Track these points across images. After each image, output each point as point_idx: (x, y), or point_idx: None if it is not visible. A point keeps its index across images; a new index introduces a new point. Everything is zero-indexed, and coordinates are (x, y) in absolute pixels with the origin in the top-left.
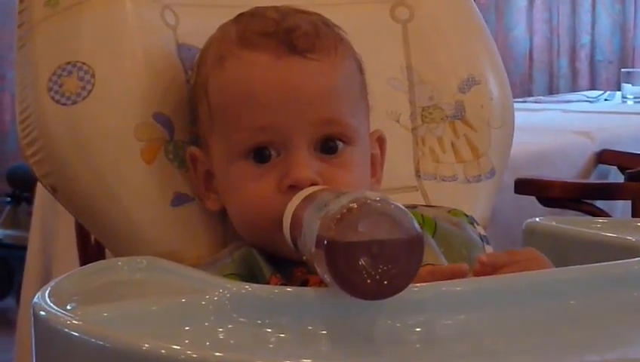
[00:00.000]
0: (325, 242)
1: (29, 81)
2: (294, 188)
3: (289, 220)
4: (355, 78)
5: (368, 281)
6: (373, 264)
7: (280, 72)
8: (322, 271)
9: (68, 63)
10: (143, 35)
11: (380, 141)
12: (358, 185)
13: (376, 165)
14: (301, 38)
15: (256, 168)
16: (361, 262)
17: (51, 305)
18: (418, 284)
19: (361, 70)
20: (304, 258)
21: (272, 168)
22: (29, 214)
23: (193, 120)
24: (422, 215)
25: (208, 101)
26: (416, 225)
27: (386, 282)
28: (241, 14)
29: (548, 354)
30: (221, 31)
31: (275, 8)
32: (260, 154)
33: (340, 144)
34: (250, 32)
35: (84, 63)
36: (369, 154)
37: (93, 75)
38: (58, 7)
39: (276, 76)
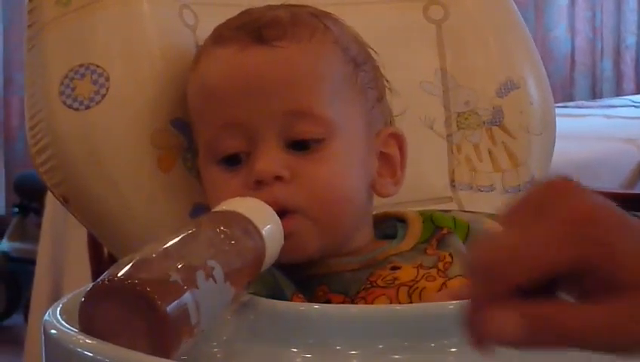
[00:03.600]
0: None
1: (40, 85)
2: (260, 183)
3: None
4: (336, 66)
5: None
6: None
7: (242, 64)
8: None
9: (81, 66)
10: (161, 36)
11: (397, 139)
12: (340, 181)
13: (394, 166)
14: (271, 28)
15: (225, 172)
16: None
17: (63, 322)
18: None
19: (356, 64)
20: None
21: (242, 168)
22: (38, 226)
23: None
24: (454, 218)
25: (188, 105)
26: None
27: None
28: (239, 14)
29: None
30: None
31: (270, 5)
32: (230, 159)
33: (313, 137)
34: (225, 27)
35: (97, 66)
36: (362, 149)
37: (107, 79)
38: (70, 7)
39: (239, 68)
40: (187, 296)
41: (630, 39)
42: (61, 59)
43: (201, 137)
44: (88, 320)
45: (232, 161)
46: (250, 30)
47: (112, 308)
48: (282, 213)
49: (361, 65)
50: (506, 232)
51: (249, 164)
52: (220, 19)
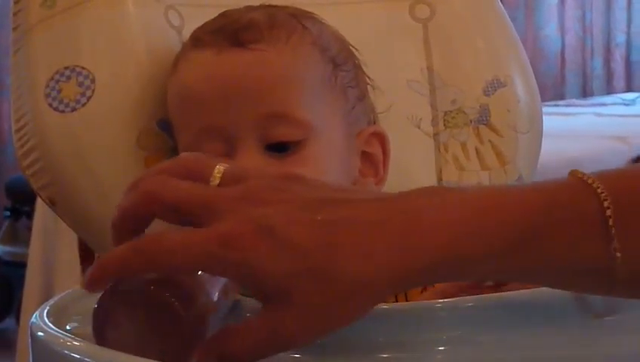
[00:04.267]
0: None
1: (25, 87)
2: None
3: None
4: (314, 68)
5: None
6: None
7: (219, 67)
8: None
9: (66, 68)
10: (147, 37)
11: (379, 138)
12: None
13: (376, 164)
14: (248, 31)
15: None
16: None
17: (50, 324)
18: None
19: (335, 64)
20: None
21: None
22: (30, 229)
23: None
24: None
25: (168, 109)
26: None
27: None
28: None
29: None
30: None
31: (249, 6)
32: None
33: (292, 139)
34: (202, 31)
35: (83, 68)
36: (343, 149)
37: (93, 80)
38: (55, 9)
39: (214, 71)
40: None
41: (620, 37)
42: (47, 61)
43: (181, 141)
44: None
45: None
46: (227, 33)
47: (129, 314)
48: None
49: (341, 65)
50: None
51: None
52: (207, 20)
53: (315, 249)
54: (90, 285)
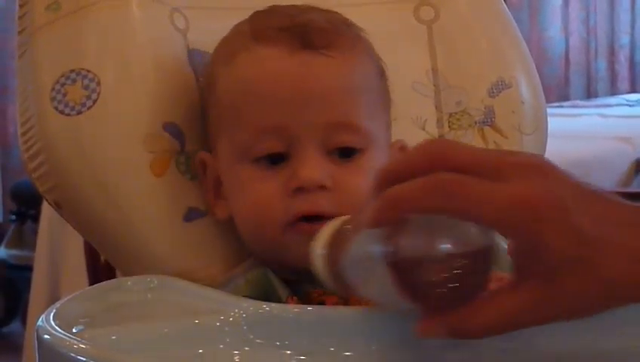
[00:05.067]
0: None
1: (31, 91)
2: (302, 190)
3: (320, 263)
4: (373, 81)
5: (441, 296)
6: (445, 275)
7: (292, 67)
8: (387, 288)
9: (72, 71)
10: (152, 41)
11: (403, 151)
12: None
13: None
14: (317, 34)
15: (262, 171)
16: (433, 277)
17: (56, 328)
18: None
19: (382, 75)
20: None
21: (281, 171)
22: (36, 233)
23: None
24: None
25: (217, 99)
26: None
27: (458, 294)
28: (256, 12)
29: None
30: (234, 29)
31: (293, 5)
32: (269, 159)
33: (354, 149)
34: (264, 26)
35: (89, 71)
36: (386, 159)
37: (98, 83)
38: (61, 12)
39: (288, 72)
40: None
41: (624, 39)
42: (52, 64)
43: (235, 136)
44: None
45: (271, 160)
46: (296, 34)
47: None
48: (318, 218)
49: (383, 76)
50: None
51: (288, 167)
52: (212, 23)
53: (594, 240)
54: (377, 219)
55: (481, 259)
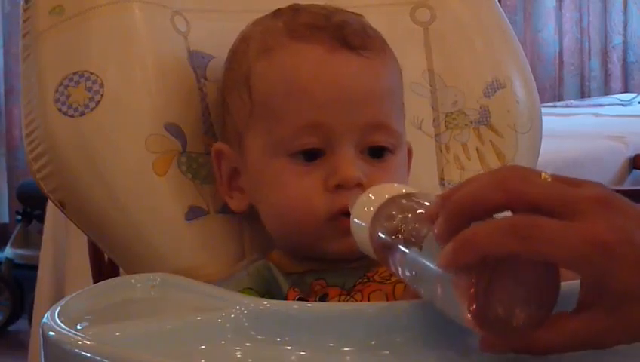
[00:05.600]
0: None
1: (35, 93)
2: (341, 187)
3: (367, 221)
4: (399, 83)
5: (508, 322)
6: (513, 303)
7: (333, 67)
8: (456, 310)
9: (75, 73)
10: (154, 43)
11: (409, 153)
12: None
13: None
14: (353, 34)
15: (300, 166)
16: (501, 305)
17: (61, 324)
18: None
19: (402, 78)
20: (393, 272)
21: (318, 166)
22: (41, 232)
23: (207, 129)
24: None
25: (250, 93)
26: None
27: (524, 321)
28: (279, 10)
29: None
30: (261, 25)
31: (318, 5)
32: (306, 154)
33: (386, 149)
34: (299, 24)
35: (91, 73)
36: (406, 161)
37: (101, 85)
38: (64, 15)
39: (329, 71)
40: None
41: (617, 39)
42: (56, 67)
43: (272, 130)
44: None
45: (308, 155)
46: (333, 33)
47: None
48: None
49: (402, 78)
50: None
51: (325, 165)
52: (213, 25)
53: None
54: (452, 260)
55: (548, 287)
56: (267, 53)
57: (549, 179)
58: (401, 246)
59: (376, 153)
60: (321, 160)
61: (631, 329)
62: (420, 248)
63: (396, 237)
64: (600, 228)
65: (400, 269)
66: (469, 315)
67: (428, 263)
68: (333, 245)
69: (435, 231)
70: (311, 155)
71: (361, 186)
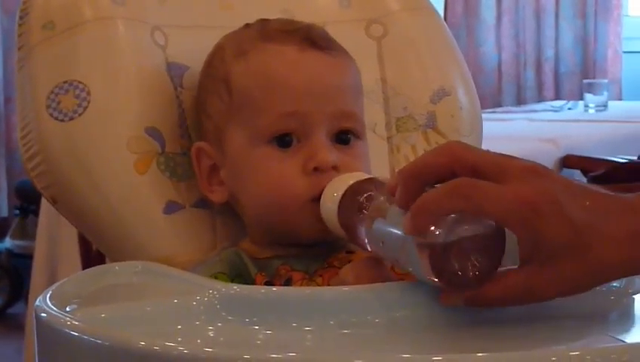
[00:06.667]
0: (430, 246)
1: (29, 100)
2: (318, 170)
3: (335, 203)
4: (360, 81)
5: (463, 275)
6: (466, 258)
7: (306, 63)
8: (418, 267)
9: (65, 82)
10: (135, 55)
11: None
12: (370, 172)
13: None
14: (320, 37)
15: (279, 152)
16: (457, 260)
17: (52, 307)
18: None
19: (361, 78)
20: (360, 247)
21: (295, 152)
22: (36, 225)
23: (183, 132)
24: None
25: (230, 91)
26: None
27: (476, 273)
28: (248, 24)
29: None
30: (234, 35)
31: (283, 18)
32: (283, 141)
33: (352, 136)
34: (271, 30)
35: (80, 82)
36: (368, 150)
37: (88, 93)
38: (55, 30)
39: (302, 67)
40: None
41: (549, 52)
42: (47, 76)
43: (253, 121)
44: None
45: (283, 141)
46: (302, 36)
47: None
48: None
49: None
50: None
51: (302, 149)
52: (188, 40)
53: (583, 228)
54: (413, 226)
55: (495, 244)
56: (244, 55)
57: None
58: (367, 220)
59: (344, 140)
60: (297, 146)
61: (566, 282)
62: (385, 218)
63: (362, 213)
64: (528, 190)
65: (369, 242)
66: (430, 270)
67: (393, 230)
68: (309, 228)
69: (396, 197)
70: (287, 142)
71: (336, 169)
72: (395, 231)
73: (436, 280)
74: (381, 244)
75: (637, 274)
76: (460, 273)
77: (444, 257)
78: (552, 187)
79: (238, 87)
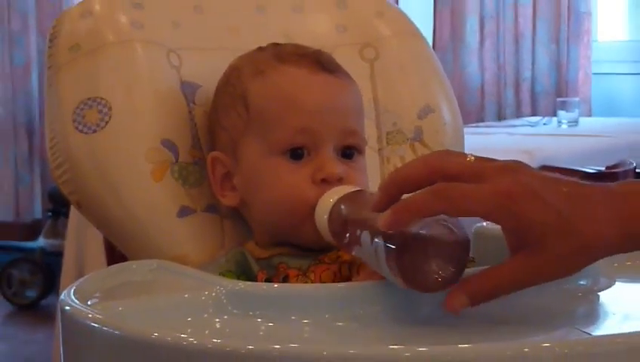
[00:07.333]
0: (395, 244)
1: (57, 114)
2: (326, 181)
3: (326, 213)
4: (362, 104)
5: (426, 278)
6: (430, 262)
7: (317, 84)
8: (385, 266)
9: (89, 99)
10: (152, 75)
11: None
12: (368, 186)
13: None
14: (328, 61)
15: (291, 163)
16: (421, 262)
17: (75, 300)
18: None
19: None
20: (347, 252)
21: (305, 164)
22: (67, 226)
23: (195, 143)
24: None
25: (247, 107)
26: (464, 229)
27: (439, 279)
28: (261, 47)
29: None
30: (249, 56)
31: (294, 44)
32: (295, 153)
33: (355, 152)
34: (285, 52)
35: (102, 98)
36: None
37: (110, 108)
38: (80, 52)
39: (315, 87)
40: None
41: (527, 73)
42: (73, 93)
43: (270, 135)
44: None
45: (295, 154)
46: (313, 60)
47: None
48: None
49: None
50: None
51: (312, 161)
52: (201, 61)
53: (564, 210)
54: (392, 224)
55: (459, 254)
56: (261, 74)
57: (472, 159)
58: (351, 228)
59: (349, 155)
60: (307, 159)
61: (557, 261)
62: (365, 224)
63: (347, 221)
64: (504, 183)
65: (347, 245)
66: (396, 268)
67: (368, 231)
68: (313, 232)
69: (375, 203)
70: (299, 155)
71: (341, 181)
72: (370, 233)
73: (400, 279)
74: (358, 247)
75: (623, 252)
76: (422, 275)
77: (408, 258)
78: (526, 178)
79: (254, 103)
